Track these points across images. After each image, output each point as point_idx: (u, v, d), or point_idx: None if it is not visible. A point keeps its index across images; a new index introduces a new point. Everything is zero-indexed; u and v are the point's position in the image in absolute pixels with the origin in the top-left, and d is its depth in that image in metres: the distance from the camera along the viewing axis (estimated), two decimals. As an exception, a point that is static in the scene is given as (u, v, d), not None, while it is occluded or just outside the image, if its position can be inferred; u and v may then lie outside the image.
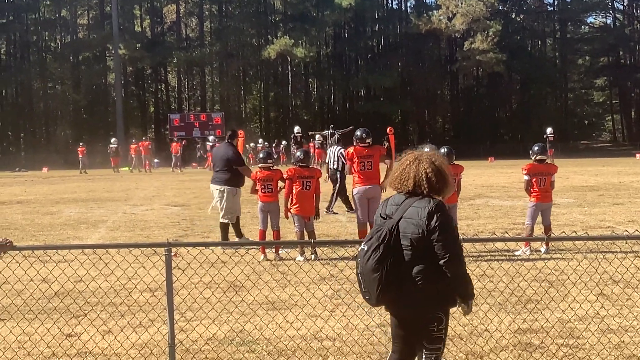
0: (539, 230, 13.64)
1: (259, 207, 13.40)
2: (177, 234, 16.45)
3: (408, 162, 5.31)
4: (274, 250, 13.09)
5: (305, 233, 13.19)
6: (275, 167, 13.98)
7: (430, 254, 5.05)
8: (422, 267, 5.07)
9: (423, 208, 5.08)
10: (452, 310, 5.29)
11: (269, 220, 13.37)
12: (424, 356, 5.29)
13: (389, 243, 5.10)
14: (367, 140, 13.80)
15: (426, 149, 5.54)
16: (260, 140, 53.89)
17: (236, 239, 14.19)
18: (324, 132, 43.96)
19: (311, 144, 46.23)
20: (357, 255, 5.29)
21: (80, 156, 51.16)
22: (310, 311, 8.67)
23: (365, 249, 5.18)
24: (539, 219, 13.32)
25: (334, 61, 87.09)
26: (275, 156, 40.90)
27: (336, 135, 24.90)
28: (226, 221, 14.44)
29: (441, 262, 5.02)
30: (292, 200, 13.18)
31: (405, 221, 5.12)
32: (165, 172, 48.95)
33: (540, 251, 12.82)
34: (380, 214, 5.32)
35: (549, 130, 46.47)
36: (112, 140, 54.88)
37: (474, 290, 5.30)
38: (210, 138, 50.96)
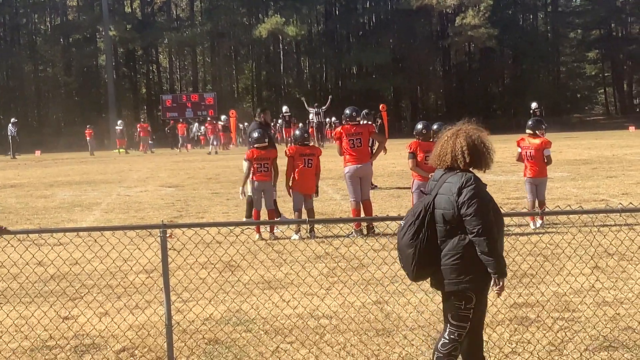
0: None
1: (255, 186, 13.42)
2: (171, 215, 16.45)
3: (446, 137, 5.31)
4: (268, 229, 13.13)
5: (304, 211, 13.36)
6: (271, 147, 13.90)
7: (462, 230, 5.04)
8: (454, 244, 5.07)
9: (455, 183, 5.09)
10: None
11: (263, 200, 13.50)
12: (447, 331, 5.30)
13: (423, 219, 5.11)
14: (357, 119, 13.79)
15: (461, 123, 5.48)
16: (284, 108, 51.86)
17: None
18: (311, 110, 44.52)
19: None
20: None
21: (87, 138, 51.46)
22: (307, 290, 8.69)
23: (402, 224, 5.21)
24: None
25: (325, 39, 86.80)
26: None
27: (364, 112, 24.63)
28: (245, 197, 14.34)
29: (471, 237, 5.00)
30: (293, 177, 13.38)
31: (440, 197, 5.13)
32: (160, 153, 48.83)
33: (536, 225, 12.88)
34: (421, 190, 5.36)
35: (534, 105, 46.33)
36: (119, 122, 55.00)
37: (506, 268, 5.17)
38: (222, 117, 50.99)
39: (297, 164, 13.37)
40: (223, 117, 51.21)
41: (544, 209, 12.60)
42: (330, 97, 48.44)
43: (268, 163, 13.42)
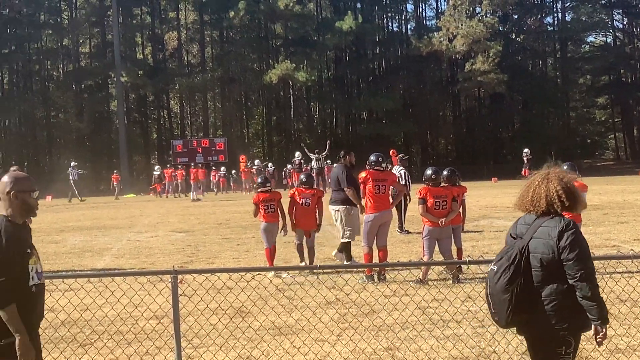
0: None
1: (262, 227, 14.64)
2: (182, 260, 16.45)
3: (537, 182, 5.26)
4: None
5: (306, 248, 14.71)
6: (273, 190, 15.55)
7: (561, 274, 4.98)
8: (553, 288, 5.01)
9: (554, 227, 5.03)
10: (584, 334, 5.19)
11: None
12: None
13: (519, 263, 5.05)
14: (383, 165, 13.82)
15: (546, 167, 5.47)
16: (269, 165, 55.33)
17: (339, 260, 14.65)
18: (312, 156, 45.41)
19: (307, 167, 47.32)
20: (486, 277, 5.23)
21: (114, 183, 52.01)
22: (317, 336, 8.67)
23: (495, 269, 5.13)
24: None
25: (335, 84, 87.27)
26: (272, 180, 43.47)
27: (400, 155, 24.81)
28: (347, 240, 14.54)
29: (572, 282, 4.93)
30: (296, 216, 14.70)
31: (535, 241, 5.07)
32: (171, 199, 48.97)
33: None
34: (510, 234, 5.30)
35: (526, 150, 47.01)
36: (156, 167, 55.87)
37: (608, 314, 5.06)
38: (256, 162, 52.22)
39: (297, 204, 14.74)
40: (257, 161, 52.67)
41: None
42: (328, 142, 49.14)
43: (274, 204, 14.65)
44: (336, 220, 14.66)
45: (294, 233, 14.85)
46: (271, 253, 14.50)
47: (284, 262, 15.46)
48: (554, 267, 4.98)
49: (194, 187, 47.01)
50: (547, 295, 5.02)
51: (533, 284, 5.05)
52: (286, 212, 14.84)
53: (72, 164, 48.28)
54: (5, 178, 5.23)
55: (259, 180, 15.61)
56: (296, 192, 14.99)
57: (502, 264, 5.10)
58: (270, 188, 15.24)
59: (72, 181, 47.24)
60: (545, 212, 5.16)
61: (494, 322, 5.26)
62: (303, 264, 14.45)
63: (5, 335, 4.89)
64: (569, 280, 4.95)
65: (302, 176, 15.77)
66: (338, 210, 14.44)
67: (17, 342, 4.87)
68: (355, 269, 13.14)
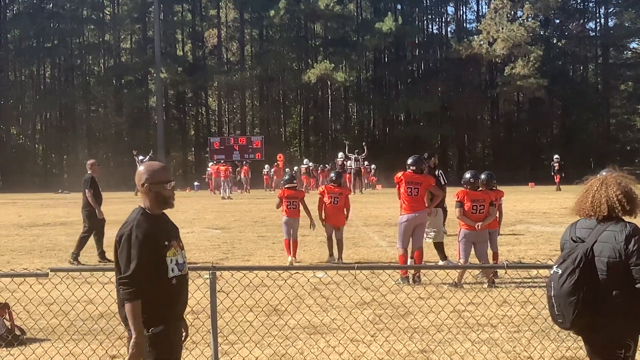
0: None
1: (283, 220, 15.90)
2: (217, 257, 16.56)
3: (595, 187, 5.28)
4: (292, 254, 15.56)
5: (335, 241, 15.62)
6: (298, 188, 17.33)
7: (627, 278, 5.00)
8: (618, 292, 5.02)
9: (620, 232, 5.06)
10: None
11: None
12: None
13: (585, 267, 5.07)
14: (420, 167, 13.79)
15: (604, 172, 5.50)
16: (305, 160, 56.19)
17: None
18: (351, 156, 46.25)
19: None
20: (549, 280, 5.24)
21: (222, 179, 51.72)
22: (353, 336, 8.69)
23: (560, 272, 5.13)
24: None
25: (374, 85, 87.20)
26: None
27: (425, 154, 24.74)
28: (438, 241, 14.79)
29: (638, 286, 4.96)
30: (325, 211, 15.75)
31: (600, 244, 5.09)
32: (207, 196, 49.21)
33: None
34: (570, 238, 5.30)
35: (556, 156, 46.56)
36: (210, 164, 56.31)
37: None
38: (305, 161, 53.03)
39: (326, 200, 15.70)
40: (305, 160, 53.12)
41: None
42: (364, 143, 49.86)
43: (297, 202, 15.87)
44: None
45: (324, 228, 15.80)
46: (289, 244, 15.59)
47: (319, 262, 15.53)
48: (619, 270, 4.99)
49: (224, 184, 46.60)
50: (612, 298, 5.03)
51: (598, 287, 5.05)
52: (316, 208, 15.96)
53: (140, 157, 48.35)
54: (141, 169, 5.19)
55: (286, 177, 17.08)
56: (325, 190, 15.96)
57: (567, 267, 5.10)
58: (295, 185, 16.68)
59: None
60: (607, 217, 5.17)
61: (556, 324, 5.25)
62: (332, 257, 15.53)
63: (153, 324, 4.88)
64: (636, 284, 4.95)
65: (332, 174, 16.83)
66: None
67: (132, 339, 4.83)
68: (391, 270, 13.14)
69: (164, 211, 5.18)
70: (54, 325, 8.96)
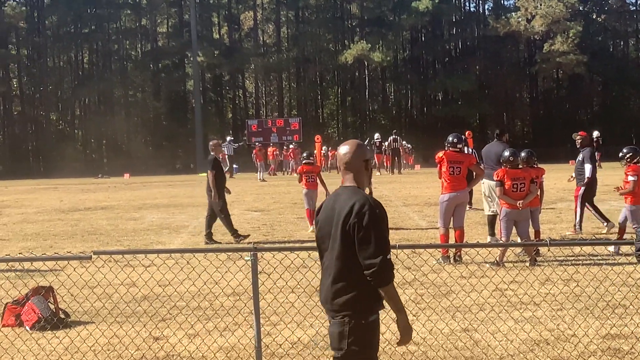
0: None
1: (304, 192, 18.05)
2: (257, 239, 16.59)
3: None
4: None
5: None
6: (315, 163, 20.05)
7: None
8: None
9: None
10: None
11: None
12: None
13: None
14: (459, 146, 13.66)
15: None
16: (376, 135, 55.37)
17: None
18: (390, 137, 46.12)
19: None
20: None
21: (270, 159, 51.88)
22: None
23: None
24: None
25: (411, 65, 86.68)
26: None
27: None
28: (491, 213, 14.79)
29: None
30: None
31: None
32: (246, 178, 49.39)
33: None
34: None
35: (596, 133, 45.81)
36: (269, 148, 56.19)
37: None
38: (376, 135, 51.98)
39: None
40: (377, 134, 53.38)
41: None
42: (394, 131, 49.64)
43: (314, 175, 18.01)
44: (483, 194, 14.99)
45: None
46: (311, 213, 17.28)
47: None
48: None
49: (260, 166, 46.35)
50: None
51: None
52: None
53: (228, 138, 48.33)
54: (349, 147, 4.80)
55: (304, 154, 19.33)
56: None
57: None
58: (313, 162, 19.06)
59: (226, 156, 45.35)
60: None
61: None
62: None
63: (372, 312, 4.79)
64: None
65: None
66: (486, 184, 14.60)
67: (398, 320, 4.75)
68: (432, 249, 13.07)
69: None
70: (98, 308, 9.03)
